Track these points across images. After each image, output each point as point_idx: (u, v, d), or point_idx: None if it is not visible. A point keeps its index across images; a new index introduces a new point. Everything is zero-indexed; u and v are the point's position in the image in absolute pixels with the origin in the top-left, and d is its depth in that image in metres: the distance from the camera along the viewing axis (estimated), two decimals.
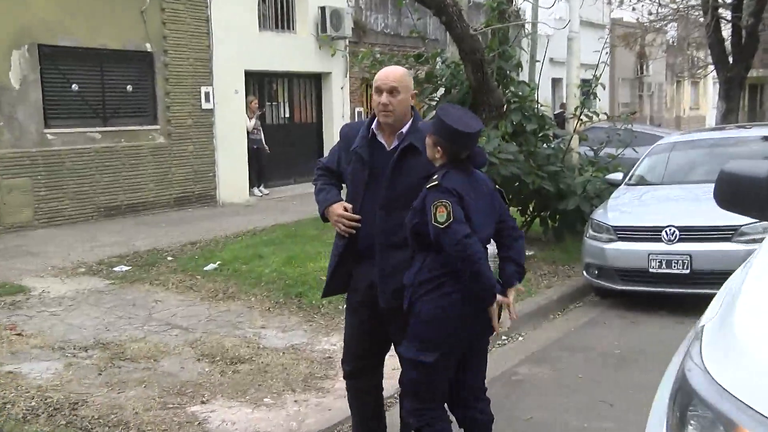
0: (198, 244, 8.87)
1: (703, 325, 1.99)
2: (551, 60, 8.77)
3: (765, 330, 1.81)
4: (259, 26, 13.65)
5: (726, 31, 14.92)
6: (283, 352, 5.15)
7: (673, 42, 24.25)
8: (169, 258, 8.12)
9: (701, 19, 16.07)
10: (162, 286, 6.94)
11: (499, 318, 3.14)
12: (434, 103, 8.50)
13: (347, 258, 3.37)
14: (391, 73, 3.24)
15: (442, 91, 8.53)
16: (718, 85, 15.88)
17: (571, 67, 9.22)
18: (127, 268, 7.68)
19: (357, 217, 3.28)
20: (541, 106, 8.57)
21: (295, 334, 5.58)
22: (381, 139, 3.30)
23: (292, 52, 14.23)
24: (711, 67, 17.70)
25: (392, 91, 3.19)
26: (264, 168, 13.86)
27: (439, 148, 3.08)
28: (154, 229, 10.14)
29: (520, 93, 8.15)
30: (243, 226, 10.16)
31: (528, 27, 8.92)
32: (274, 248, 8.22)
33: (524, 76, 8.87)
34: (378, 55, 8.98)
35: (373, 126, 3.30)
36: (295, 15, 14.58)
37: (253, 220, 10.67)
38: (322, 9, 14.51)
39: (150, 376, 4.69)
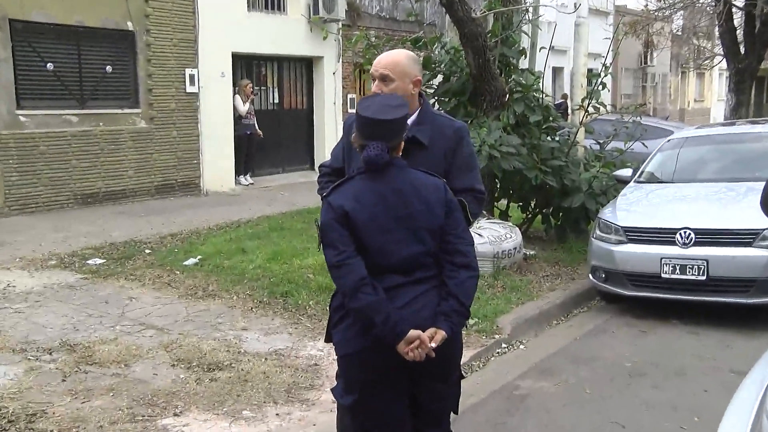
0: (178, 236, 8.46)
1: None
2: (552, 48, 8.31)
3: None
4: (248, 6, 13.14)
5: (738, 20, 14.37)
6: (266, 358, 4.80)
7: (678, 31, 23.54)
8: (147, 251, 7.70)
9: (709, 8, 15.54)
10: (138, 282, 6.57)
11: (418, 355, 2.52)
12: (432, 90, 8.08)
13: None
14: (383, 59, 2.88)
15: (440, 78, 8.09)
16: (724, 77, 15.45)
17: (579, 54, 8.76)
18: (101, 261, 7.26)
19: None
20: (545, 96, 8.13)
21: (279, 337, 5.22)
22: None
23: (283, 34, 13.73)
24: (718, 58, 17.23)
25: (384, 78, 2.83)
26: (253, 155, 13.37)
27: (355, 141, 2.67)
28: (133, 218, 9.68)
29: (524, 82, 7.72)
30: (227, 217, 9.76)
31: (531, 12, 8.43)
32: (259, 242, 7.85)
33: (524, 64, 8.41)
34: (373, 39, 8.54)
35: None
36: None
37: (238, 211, 10.27)
38: None
39: (119, 383, 4.35)
